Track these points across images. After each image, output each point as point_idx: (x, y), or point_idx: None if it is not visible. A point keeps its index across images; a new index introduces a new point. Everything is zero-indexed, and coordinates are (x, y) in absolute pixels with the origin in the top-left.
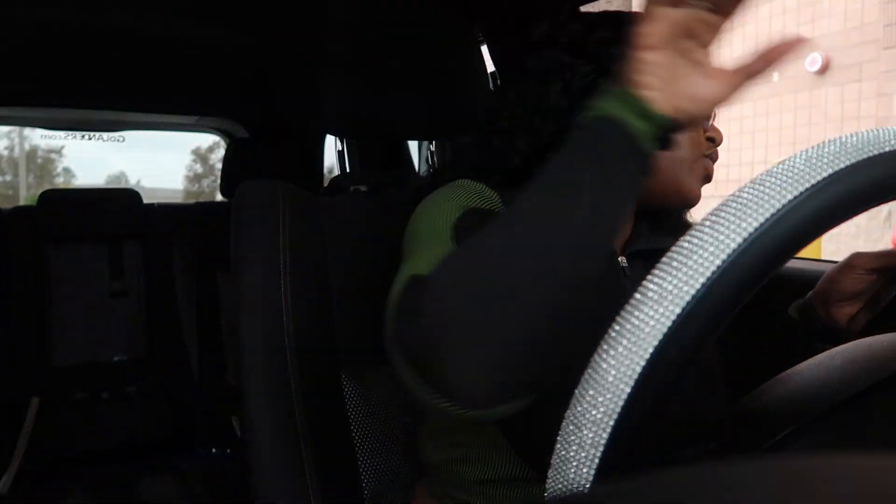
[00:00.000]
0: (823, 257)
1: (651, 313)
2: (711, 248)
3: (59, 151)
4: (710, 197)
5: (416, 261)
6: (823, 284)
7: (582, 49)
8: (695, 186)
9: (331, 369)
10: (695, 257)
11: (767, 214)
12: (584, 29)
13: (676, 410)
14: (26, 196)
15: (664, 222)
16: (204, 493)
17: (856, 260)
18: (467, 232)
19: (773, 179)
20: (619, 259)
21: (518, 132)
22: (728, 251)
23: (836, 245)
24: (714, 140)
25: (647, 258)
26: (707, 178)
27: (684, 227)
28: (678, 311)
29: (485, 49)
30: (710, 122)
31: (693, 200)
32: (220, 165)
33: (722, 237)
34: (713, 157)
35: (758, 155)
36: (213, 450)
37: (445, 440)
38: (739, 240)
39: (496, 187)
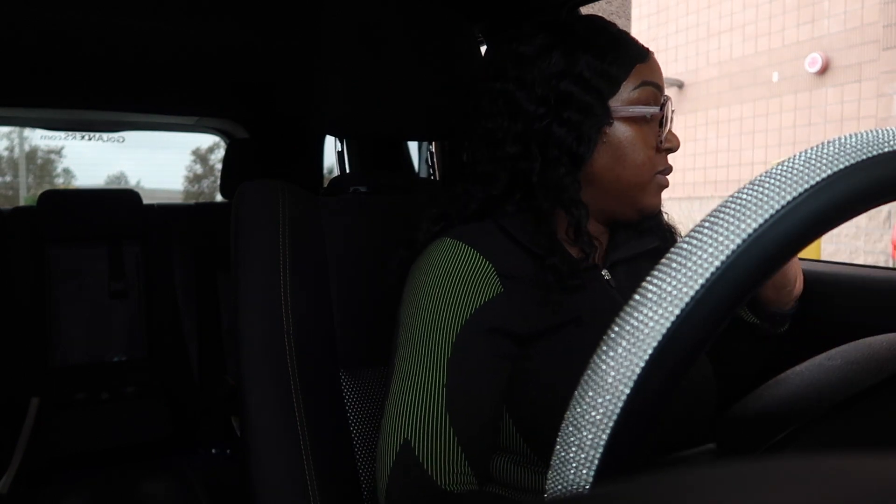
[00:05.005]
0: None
1: (650, 314)
2: (710, 250)
3: (59, 152)
4: (710, 198)
5: (409, 379)
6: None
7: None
8: (653, 201)
9: (330, 369)
10: (694, 258)
11: (767, 215)
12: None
13: (676, 411)
14: (26, 196)
15: (640, 225)
16: (204, 493)
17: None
18: (466, 358)
19: (773, 180)
20: (602, 273)
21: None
22: (727, 252)
23: (836, 246)
24: (671, 149)
25: (629, 264)
26: (663, 188)
27: (661, 226)
28: (677, 312)
29: (484, 49)
30: (666, 132)
31: (654, 210)
32: (219, 166)
33: (721, 238)
34: (667, 171)
35: (758, 155)
36: (213, 450)
37: None
38: (739, 241)
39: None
